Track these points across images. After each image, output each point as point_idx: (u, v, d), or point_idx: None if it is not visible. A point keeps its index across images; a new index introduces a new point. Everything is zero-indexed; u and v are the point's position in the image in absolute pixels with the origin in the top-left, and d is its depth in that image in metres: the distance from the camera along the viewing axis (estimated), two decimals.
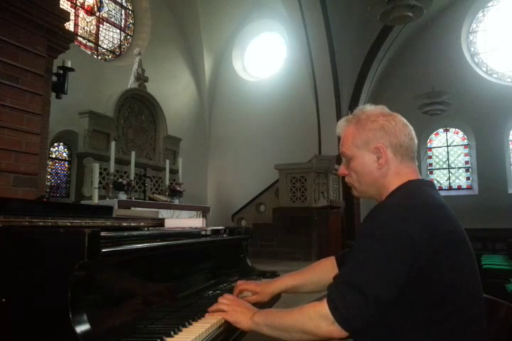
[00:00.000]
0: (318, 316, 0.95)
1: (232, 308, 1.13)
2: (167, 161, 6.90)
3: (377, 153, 1.11)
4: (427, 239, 0.93)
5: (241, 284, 1.38)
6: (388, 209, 1.01)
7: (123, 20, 8.75)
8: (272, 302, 1.50)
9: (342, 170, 1.21)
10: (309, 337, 0.98)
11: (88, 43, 7.88)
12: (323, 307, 0.95)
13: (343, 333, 0.94)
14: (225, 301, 1.15)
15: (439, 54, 9.19)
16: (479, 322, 1.00)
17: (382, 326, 0.98)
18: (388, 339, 0.99)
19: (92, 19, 8.02)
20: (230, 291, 1.44)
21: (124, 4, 8.80)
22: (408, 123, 1.15)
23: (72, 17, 7.09)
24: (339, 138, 1.21)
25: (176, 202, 6.68)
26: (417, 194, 1.05)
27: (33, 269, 0.83)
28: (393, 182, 1.11)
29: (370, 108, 1.16)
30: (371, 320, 0.94)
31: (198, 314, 1.14)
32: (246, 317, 1.09)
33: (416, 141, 1.15)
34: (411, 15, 5.34)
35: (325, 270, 1.36)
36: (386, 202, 1.07)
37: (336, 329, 0.93)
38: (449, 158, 9.47)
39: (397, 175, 1.11)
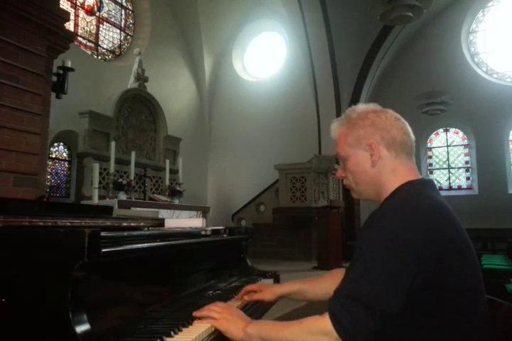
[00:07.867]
0: (320, 332, 0.91)
1: (223, 316, 1.06)
2: (167, 161, 6.90)
3: (370, 150, 1.08)
4: (430, 246, 0.90)
5: (247, 286, 1.38)
6: (389, 214, 0.97)
7: (123, 20, 8.75)
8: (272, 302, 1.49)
9: (339, 172, 1.19)
10: None
11: (88, 43, 7.88)
12: (326, 323, 0.90)
13: None
14: (216, 308, 1.09)
15: (439, 54, 9.19)
16: (485, 325, 0.98)
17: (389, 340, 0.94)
18: None
19: (92, 19, 8.02)
20: (230, 291, 1.45)
21: (124, 4, 8.80)
22: (401, 118, 1.12)
23: (72, 17, 7.09)
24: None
25: (176, 202, 6.68)
26: (418, 197, 1.00)
27: (33, 269, 0.83)
28: (390, 181, 1.06)
29: (361, 107, 1.14)
30: (375, 335, 0.89)
31: None
32: (238, 327, 1.02)
33: (412, 136, 1.11)
34: (411, 15, 5.35)
35: (336, 279, 1.27)
36: (386, 206, 1.02)
37: None
38: (449, 158, 9.48)
39: (393, 172, 1.07)
